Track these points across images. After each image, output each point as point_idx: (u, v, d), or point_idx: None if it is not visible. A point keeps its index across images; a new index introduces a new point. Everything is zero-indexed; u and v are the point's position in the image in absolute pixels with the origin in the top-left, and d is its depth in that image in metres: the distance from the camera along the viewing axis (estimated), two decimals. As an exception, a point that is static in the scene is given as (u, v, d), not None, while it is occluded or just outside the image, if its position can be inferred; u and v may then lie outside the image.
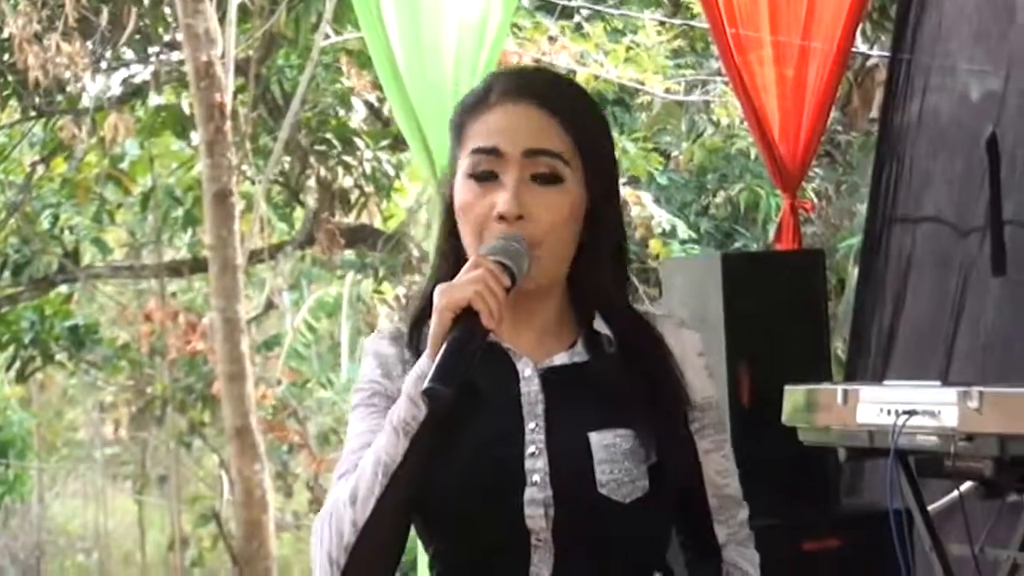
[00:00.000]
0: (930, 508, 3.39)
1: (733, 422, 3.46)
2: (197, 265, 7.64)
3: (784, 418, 3.48)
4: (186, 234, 8.06)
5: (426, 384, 1.54)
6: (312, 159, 7.98)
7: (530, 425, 1.66)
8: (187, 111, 6.95)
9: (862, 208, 7.53)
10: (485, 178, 1.67)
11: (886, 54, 7.45)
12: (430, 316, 1.61)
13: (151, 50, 7.89)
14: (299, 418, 7.49)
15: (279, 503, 9.37)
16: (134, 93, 8.05)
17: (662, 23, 8.03)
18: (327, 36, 7.05)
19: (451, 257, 1.71)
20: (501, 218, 1.65)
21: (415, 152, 3.84)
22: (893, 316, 4.59)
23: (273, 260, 8.19)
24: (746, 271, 3.97)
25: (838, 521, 3.82)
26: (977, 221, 4.45)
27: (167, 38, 7.70)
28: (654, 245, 7.19)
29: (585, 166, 1.68)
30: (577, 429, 1.64)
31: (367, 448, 1.64)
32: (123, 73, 8.34)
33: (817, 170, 7.72)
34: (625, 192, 7.14)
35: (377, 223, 8.88)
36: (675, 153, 8.42)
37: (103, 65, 8.05)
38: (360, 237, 8.62)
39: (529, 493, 1.62)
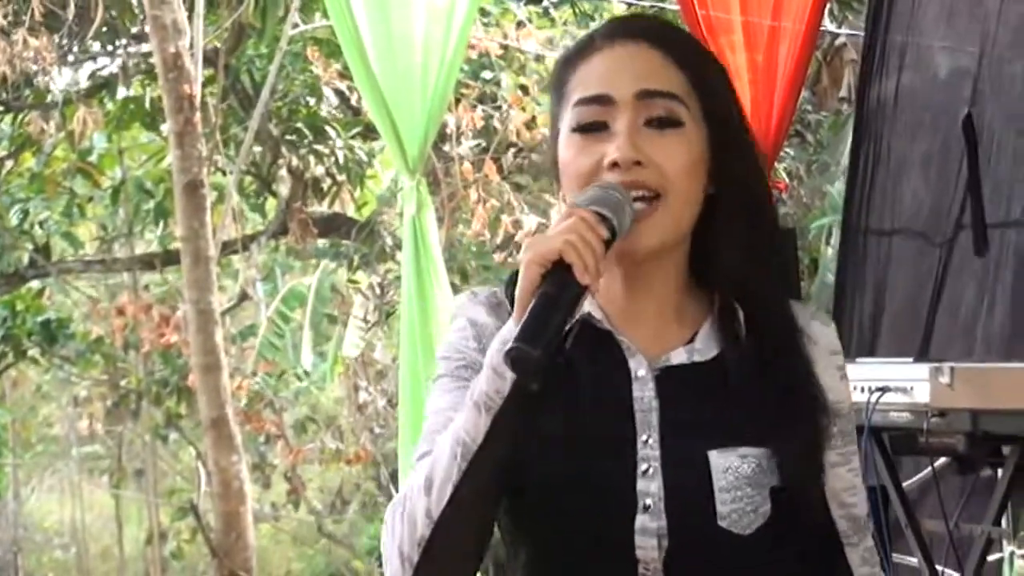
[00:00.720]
0: (905, 484, 3.42)
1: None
2: (169, 257, 7.62)
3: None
4: (158, 227, 8.03)
5: (509, 344, 1.31)
6: (283, 149, 7.95)
7: (643, 437, 1.43)
8: (156, 103, 6.91)
9: (833, 188, 7.56)
10: (593, 129, 1.45)
11: (854, 32, 7.47)
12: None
13: (119, 43, 7.85)
14: (275, 408, 7.48)
15: (257, 494, 9.36)
16: (102, 86, 8.01)
17: (630, 5, 8.03)
18: (295, 25, 7.02)
19: None
20: (614, 165, 1.42)
21: (386, 139, 3.84)
22: (875, 297, 4.61)
23: (246, 251, 8.17)
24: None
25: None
26: (955, 201, 4.47)
27: (134, 30, 7.65)
28: (627, 229, 7.19)
29: (705, 109, 1.47)
30: (696, 446, 1.43)
31: (448, 426, 1.42)
32: (91, 66, 8.30)
33: (788, 150, 7.74)
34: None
35: (351, 212, 8.86)
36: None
37: (70, 58, 8.01)
38: (333, 226, 8.60)
39: (640, 521, 1.42)
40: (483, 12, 7.08)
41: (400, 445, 3.83)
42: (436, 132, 3.98)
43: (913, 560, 3.36)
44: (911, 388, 3.10)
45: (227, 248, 7.62)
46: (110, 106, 7.91)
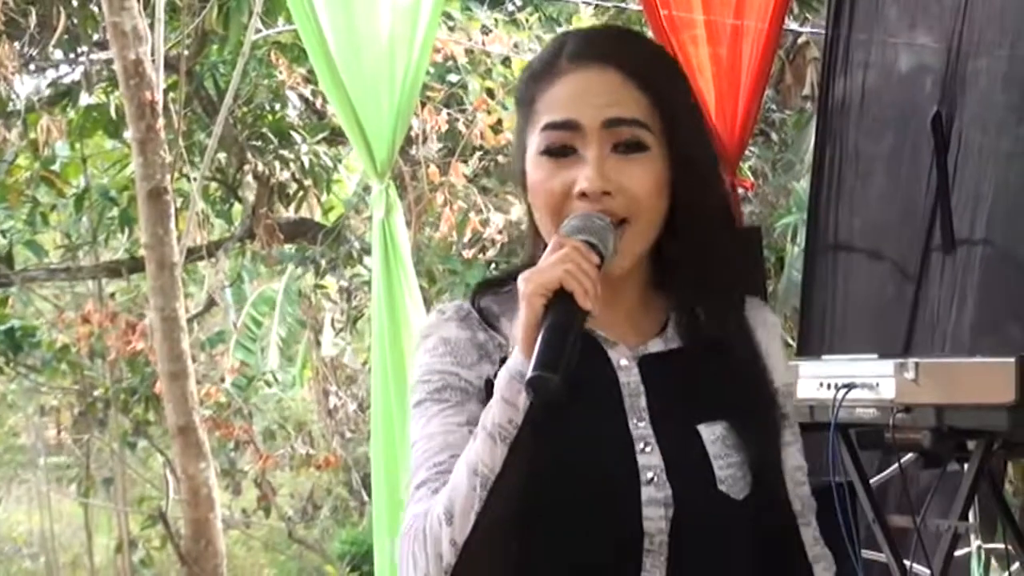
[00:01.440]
0: (872, 481, 3.43)
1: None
2: (135, 265, 7.58)
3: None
4: (123, 234, 7.99)
5: (530, 373, 1.37)
6: (249, 154, 7.93)
7: (633, 419, 1.52)
8: (120, 110, 6.88)
9: (798, 185, 7.59)
10: (561, 153, 1.52)
11: (816, 31, 7.51)
12: (501, 285, 1.52)
13: (80, 50, 7.81)
14: (244, 415, 7.45)
15: (227, 501, 9.33)
16: (65, 94, 7.97)
17: (596, 6, 8.04)
18: (258, 30, 7.01)
19: (533, 239, 1.57)
20: (583, 195, 1.49)
21: (354, 142, 3.83)
22: (842, 295, 4.63)
23: (212, 257, 8.14)
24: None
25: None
26: (924, 200, 4.50)
27: (96, 37, 7.62)
28: (594, 228, 7.20)
29: (667, 131, 1.53)
30: (685, 421, 1.52)
31: (445, 452, 1.49)
32: (53, 74, 8.25)
33: (753, 148, 7.77)
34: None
35: (317, 217, 8.85)
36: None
37: (32, 67, 7.96)
38: (300, 231, 8.58)
39: (646, 493, 1.49)
40: (448, 17, 7.08)
41: (372, 449, 3.82)
42: (404, 134, 3.97)
43: (881, 556, 3.37)
44: (876, 384, 3.11)
45: (193, 255, 7.59)
46: (73, 114, 7.87)
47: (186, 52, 7.09)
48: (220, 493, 7.52)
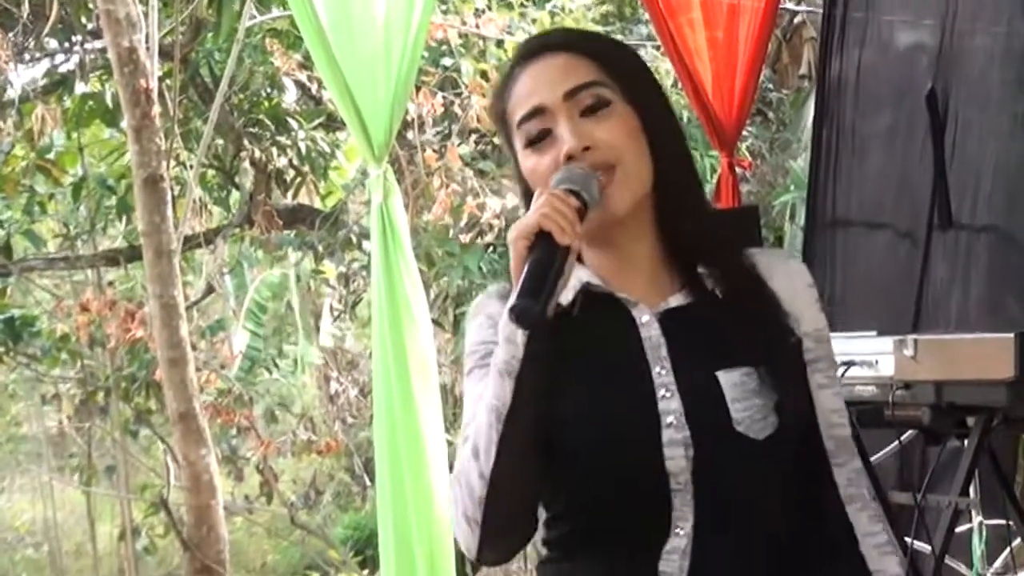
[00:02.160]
0: (873, 459, 3.44)
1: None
2: (134, 253, 7.58)
3: (725, 376, 3.50)
4: (121, 222, 7.99)
5: (511, 302, 1.52)
6: (246, 141, 7.92)
7: (656, 369, 1.65)
8: (116, 98, 6.87)
9: (795, 164, 7.59)
10: (541, 139, 1.68)
11: (813, 10, 7.49)
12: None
13: (75, 39, 7.79)
14: (244, 401, 7.46)
15: (230, 487, 9.34)
16: (60, 83, 7.95)
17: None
18: (252, 16, 6.99)
19: None
20: (569, 158, 1.64)
21: (351, 127, 3.82)
22: (841, 273, 4.63)
23: (210, 244, 8.14)
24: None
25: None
26: (921, 177, 4.49)
27: (90, 26, 7.60)
28: (591, 211, 7.19)
29: (624, 90, 1.68)
30: (704, 369, 1.63)
31: None
32: (47, 63, 8.23)
33: (750, 128, 7.77)
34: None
35: (315, 203, 8.84)
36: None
37: (26, 56, 7.94)
38: (299, 217, 8.58)
39: (667, 435, 1.60)
40: (442, 0, 7.06)
41: (375, 434, 3.82)
42: (401, 118, 3.97)
43: (883, 533, 3.38)
44: (876, 361, 3.12)
45: (190, 242, 7.59)
46: (68, 103, 7.86)
47: (181, 40, 7.07)
48: (222, 480, 7.53)
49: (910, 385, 3.06)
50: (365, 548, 9.31)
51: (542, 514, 1.68)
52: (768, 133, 8.43)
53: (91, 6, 7.22)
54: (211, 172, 8.36)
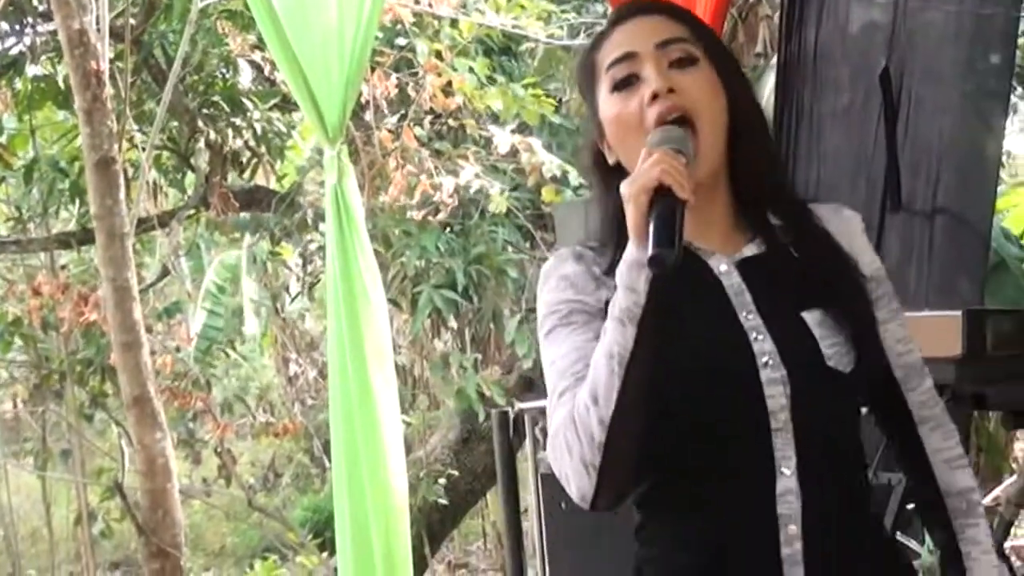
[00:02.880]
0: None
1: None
2: (87, 236, 7.51)
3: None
4: (74, 205, 7.92)
5: (651, 251, 1.60)
6: (201, 122, 7.86)
7: (743, 314, 1.74)
8: (68, 81, 6.79)
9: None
10: (627, 84, 1.78)
11: (767, -11, 7.51)
12: (619, 238, 1.70)
13: (25, 21, 7.70)
14: (201, 384, 7.42)
15: (187, 471, 9.30)
16: (10, 65, 7.86)
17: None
18: (204, -2, 6.93)
19: (605, 197, 1.81)
20: (654, 97, 1.74)
21: (304, 108, 3.82)
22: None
23: (165, 227, 8.08)
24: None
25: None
26: (875, 156, 4.51)
27: (41, 8, 7.52)
28: (546, 193, 7.19)
29: (708, 52, 1.80)
30: (789, 310, 1.74)
31: (581, 362, 1.69)
32: (-2, 46, 8.13)
33: (706, 107, 7.77)
34: (515, 139, 7.12)
35: (272, 184, 8.79)
36: (564, 99, 8.43)
37: (-24, 39, 7.85)
38: (255, 199, 8.53)
39: (765, 375, 1.70)
40: (397, -21, 7.01)
41: (331, 415, 3.82)
42: (355, 99, 3.95)
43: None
44: (828, 340, 3.14)
45: (145, 224, 7.53)
46: (19, 85, 7.77)
47: (133, 21, 7.01)
48: (180, 463, 7.50)
49: (861, 363, 3.08)
50: (324, 530, 9.28)
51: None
52: (724, 112, 8.44)
53: (41, -13, 7.15)
54: (166, 154, 8.30)
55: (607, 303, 1.70)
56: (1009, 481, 5.22)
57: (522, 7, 7.28)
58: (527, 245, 8.14)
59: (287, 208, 8.07)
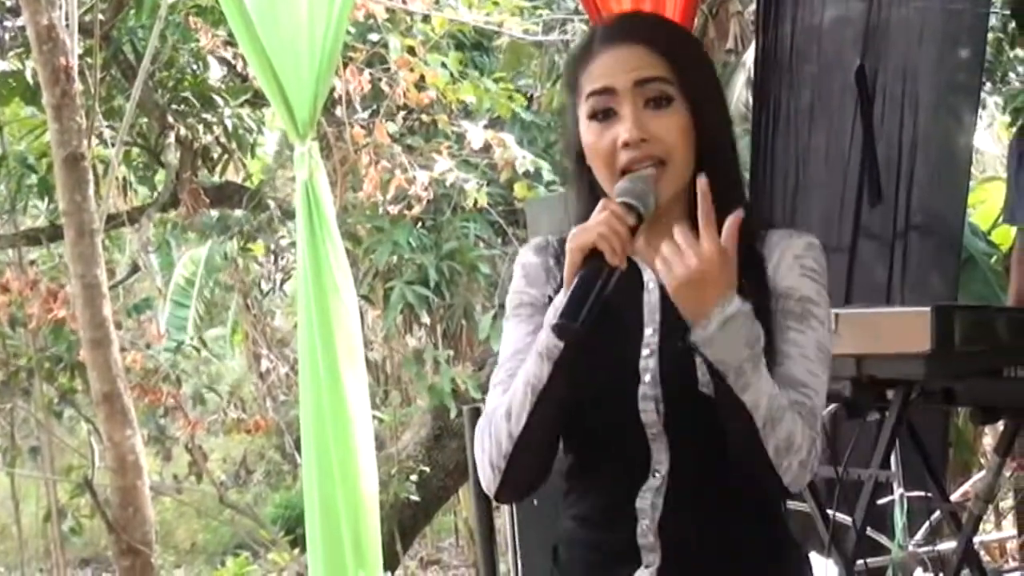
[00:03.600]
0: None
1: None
2: (56, 232, 7.47)
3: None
4: (42, 201, 7.87)
5: (554, 320, 1.74)
6: (170, 118, 7.82)
7: (648, 330, 1.87)
8: (37, 76, 6.75)
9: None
10: (605, 116, 1.87)
11: (738, -15, 7.52)
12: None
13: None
14: (172, 380, 7.39)
15: (158, 467, 9.26)
16: (-22, 61, 7.82)
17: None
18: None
19: (584, 194, 1.91)
20: (626, 145, 1.84)
21: (274, 104, 3.79)
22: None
23: (135, 223, 8.04)
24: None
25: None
26: (848, 151, 4.53)
27: (9, 3, 7.47)
28: (519, 188, 7.19)
29: (686, 88, 1.87)
30: (685, 332, 1.79)
31: (514, 358, 1.88)
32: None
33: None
34: (488, 135, 7.11)
35: (243, 180, 8.76)
36: (536, 94, 8.43)
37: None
38: (225, 195, 8.50)
39: (642, 390, 1.84)
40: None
41: (302, 412, 3.81)
42: (326, 95, 3.94)
43: (805, 506, 3.42)
44: (797, 336, 3.13)
45: (115, 220, 7.49)
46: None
47: (102, 17, 6.97)
48: (151, 460, 7.47)
49: (831, 358, 3.08)
50: (296, 527, 9.26)
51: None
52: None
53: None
54: (136, 150, 8.26)
55: (550, 297, 1.84)
56: (978, 476, 5.24)
57: (495, 3, 7.27)
58: (499, 241, 8.14)
59: (257, 204, 8.05)
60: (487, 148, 7.10)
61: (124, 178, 8.18)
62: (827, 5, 4.75)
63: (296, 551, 7.63)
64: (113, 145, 6.93)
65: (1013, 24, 7.27)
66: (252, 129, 8.12)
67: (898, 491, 4.14)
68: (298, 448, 9.20)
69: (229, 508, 8.59)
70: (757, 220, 1.93)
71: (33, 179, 7.60)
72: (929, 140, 4.60)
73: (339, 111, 7.15)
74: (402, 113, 7.50)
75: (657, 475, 1.84)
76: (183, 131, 7.86)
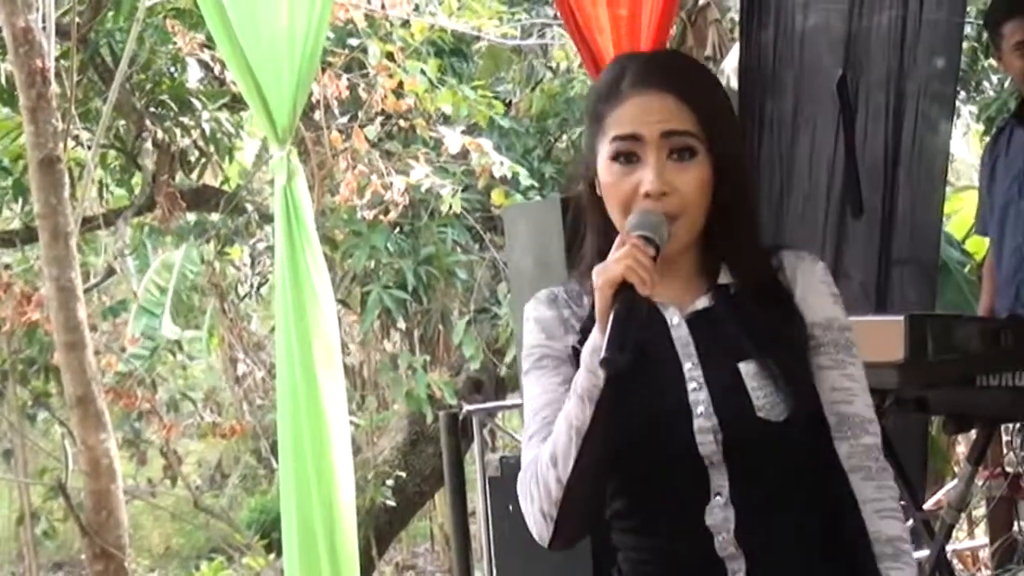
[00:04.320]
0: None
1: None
2: (30, 235, 7.45)
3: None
4: (17, 204, 7.84)
5: (602, 355, 1.77)
6: (148, 122, 7.80)
7: (687, 365, 1.91)
8: (12, 78, 6.72)
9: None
10: (627, 160, 1.91)
11: (716, -7, 7.55)
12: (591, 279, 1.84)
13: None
14: (147, 384, 7.36)
15: (132, 471, 9.23)
16: (-46, 63, 7.77)
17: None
18: (152, -5, 6.88)
19: (602, 230, 1.95)
20: (647, 195, 1.88)
21: (254, 108, 3.78)
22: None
23: (110, 226, 8.01)
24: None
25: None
26: (832, 161, 4.55)
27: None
28: (496, 195, 7.20)
29: (712, 141, 1.91)
30: (727, 362, 1.88)
31: (548, 407, 1.91)
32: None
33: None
34: (465, 140, 7.12)
35: (220, 184, 8.74)
36: (514, 100, 8.44)
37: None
38: (203, 199, 8.48)
39: (697, 424, 1.87)
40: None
41: (279, 417, 3.80)
42: (305, 99, 3.93)
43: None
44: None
45: (90, 223, 7.47)
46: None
47: (79, 19, 6.94)
48: (125, 463, 7.44)
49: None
50: (271, 531, 9.24)
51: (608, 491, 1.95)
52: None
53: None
54: (113, 153, 8.23)
55: (574, 348, 1.91)
56: (951, 485, 5.27)
57: (474, 11, 7.29)
58: (476, 247, 8.14)
59: (234, 208, 8.03)
60: (465, 154, 7.11)
61: (101, 181, 8.15)
62: (808, 13, 4.77)
63: (271, 555, 7.62)
64: (90, 148, 6.90)
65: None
66: (230, 133, 8.10)
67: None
68: (274, 452, 9.19)
69: (204, 512, 8.58)
70: (771, 250, 1.98)
71: (8, 181, 7.57)
72: (909, 149, 4.64)
73: (317, 115, 7.14)
74: (380, 119, 7.51)
75: (719, 496, 1.88)
76: (160, 134, 7.84)
